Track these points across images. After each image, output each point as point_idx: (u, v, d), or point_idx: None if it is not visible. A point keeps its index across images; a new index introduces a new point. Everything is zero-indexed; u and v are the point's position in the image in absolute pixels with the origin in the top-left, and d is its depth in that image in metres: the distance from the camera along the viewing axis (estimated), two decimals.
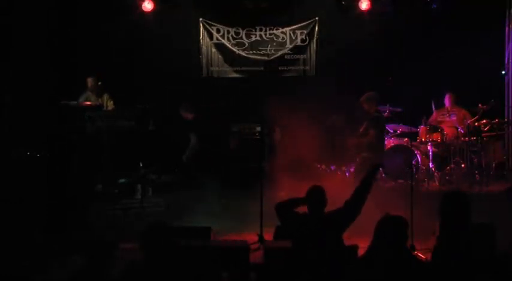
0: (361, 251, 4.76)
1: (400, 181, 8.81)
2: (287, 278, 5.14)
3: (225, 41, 10.56)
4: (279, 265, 5.44)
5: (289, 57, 10.64)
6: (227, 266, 5.48)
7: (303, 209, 5.01)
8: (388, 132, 9.36)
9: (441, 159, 9.27)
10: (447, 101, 9.61)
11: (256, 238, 6.53)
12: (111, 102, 9.43)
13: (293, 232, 4.94)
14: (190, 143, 9.44)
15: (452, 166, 9.12)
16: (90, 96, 9.39)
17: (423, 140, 9.25)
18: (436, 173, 9.11)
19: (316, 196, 4.88)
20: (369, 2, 10.12)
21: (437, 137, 9.21)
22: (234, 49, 10.55)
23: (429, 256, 5.83)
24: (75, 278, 3.94)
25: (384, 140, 8.81)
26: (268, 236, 6.50)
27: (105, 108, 9.33)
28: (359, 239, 5.10)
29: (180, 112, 9.64)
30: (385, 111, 9.51)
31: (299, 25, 10.56)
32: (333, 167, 9.10)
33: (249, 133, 9.39)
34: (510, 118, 9.94)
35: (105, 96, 9.44)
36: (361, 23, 10.18)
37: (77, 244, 6.06)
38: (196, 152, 9.38)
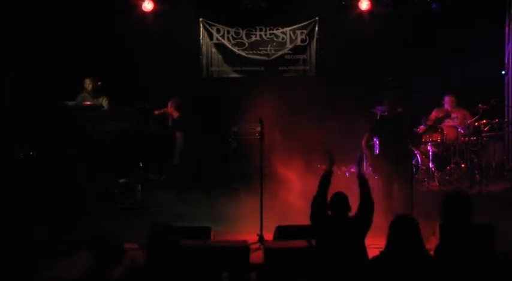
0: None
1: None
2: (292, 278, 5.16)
3: (225, 41, 10.56)
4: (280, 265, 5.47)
5: (289, 57, 10.64)
6: (227, 266, 5.49)
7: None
8: None
9: (441, 159, 9.27)
10: (447, 103, 9.58)
11: (256, 238, 6.53)
12: (106, 102, 9.35)
13: (320, 232, 4.96)
14: (177, 143, 9.32)
15: (452, 166, 9.13)
16: (87, 97, 9.35)
17: (423, 140, 9.25)
18: (436, 173, 9.11)
19: (340, 202, 4.89)
20: (369, 2, 10.11)
21: (437, 137, 9.21)
22: (234, 49, 10.54)
23: None
24: (83, 276, 3.94)
25: None
26: (268, 236, 6.50)
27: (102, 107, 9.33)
28: None
29: (169, 106, 9.20)
30: (385, 111, 9.50)
31: (299, 25, 10.56)
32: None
33: (249, 133, 9.38)
34: (510, 118, 9.94)
35: (103, 99, 9.37)
36: (361, 23, 10.18)
37: (77, 243, 6.09)
38: (184, 152, 9.23)
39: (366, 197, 4.98)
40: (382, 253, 3.93)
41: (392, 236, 3.88)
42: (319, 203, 5.01)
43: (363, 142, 7.66)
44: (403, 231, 3.86)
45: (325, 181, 5.11)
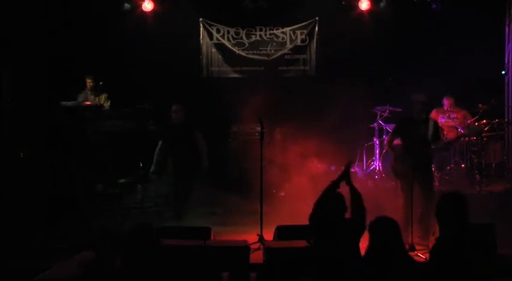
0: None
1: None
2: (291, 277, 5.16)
3: (225, 41, 10.56)
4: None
5: (289, 57, 10.63)
6: (227, 266, 5.49)
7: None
8: (389, 132, 9.35)
9: (441, 159, 9.27)
10: (446, 105, 9.57)
11: (256, 238, 6.54)
12: (108, 102, 9.42)
13: (315, 231, 4.91)
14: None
15: (452, 166, 9.13)
16: (89, 96, 9.39)
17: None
18: (436, 173, 9.11)
19: (335, 201, 4.86)
20: (369, 2, 10.11)
21: None
22: (234, 49, 10.54)
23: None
24: (86, 272, 3.95)
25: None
26: (268, 236, 6.50)
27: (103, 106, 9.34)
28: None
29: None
30: (385, 111, 9.52)
31: (299, 25, 10.55)
32: (333, 168, 9.09)
33: (249, 133, 9.37)
34: (510, 118, 9.95)
35: (103, 96, 9.43)
36: (361, 23, 10.18)
37: (78, 244, 6.09)
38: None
39: (357, 204, 4.91)
40: (365, 253, 3.97)
41: (372, 237, 3.92)
42: (322, 207, 4.97)
43: (387, 142, 7.62)
44: (382, 233, 3.89)
45: (334, 187, 5.08)
